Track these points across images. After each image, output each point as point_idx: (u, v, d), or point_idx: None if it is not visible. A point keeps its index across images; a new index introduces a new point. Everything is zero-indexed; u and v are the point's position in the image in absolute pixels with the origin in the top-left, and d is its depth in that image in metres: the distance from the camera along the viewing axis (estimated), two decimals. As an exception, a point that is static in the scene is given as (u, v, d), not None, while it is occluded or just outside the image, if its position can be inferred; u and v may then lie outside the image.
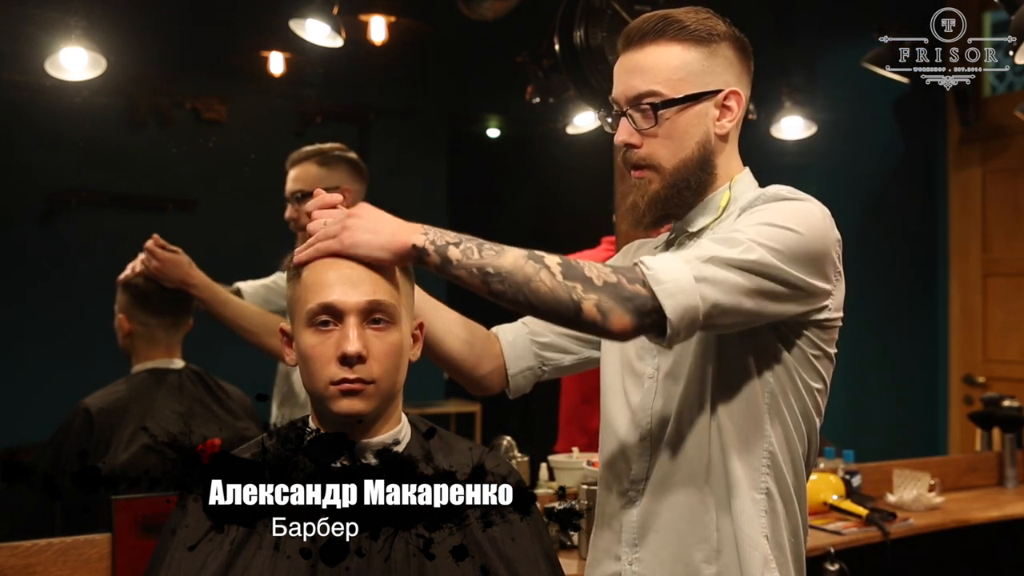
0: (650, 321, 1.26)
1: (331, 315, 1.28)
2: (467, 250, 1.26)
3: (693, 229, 1.47)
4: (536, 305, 1.26)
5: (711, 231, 1.44)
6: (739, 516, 1.43)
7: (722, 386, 1.43)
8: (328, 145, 2.54)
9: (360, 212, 1.31)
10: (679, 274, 1.26)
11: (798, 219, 1.34)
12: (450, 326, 1.57)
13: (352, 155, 2.56)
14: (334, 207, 1.35)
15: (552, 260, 1.26)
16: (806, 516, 1.52)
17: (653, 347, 1.47)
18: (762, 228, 1.32)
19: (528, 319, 1.64)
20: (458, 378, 1.61)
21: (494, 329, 1.64)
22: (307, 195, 2.41)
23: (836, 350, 1.47)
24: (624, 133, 1.44)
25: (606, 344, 1.58)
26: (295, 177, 2.51)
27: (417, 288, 1.45)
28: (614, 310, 1.24)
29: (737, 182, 1.48)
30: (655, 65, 1.42)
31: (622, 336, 1.27)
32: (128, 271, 2.24)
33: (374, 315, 1.29)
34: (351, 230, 1.28)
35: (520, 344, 1.62)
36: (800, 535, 1.50)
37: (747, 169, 1.51)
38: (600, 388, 1.59)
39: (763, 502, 1.45)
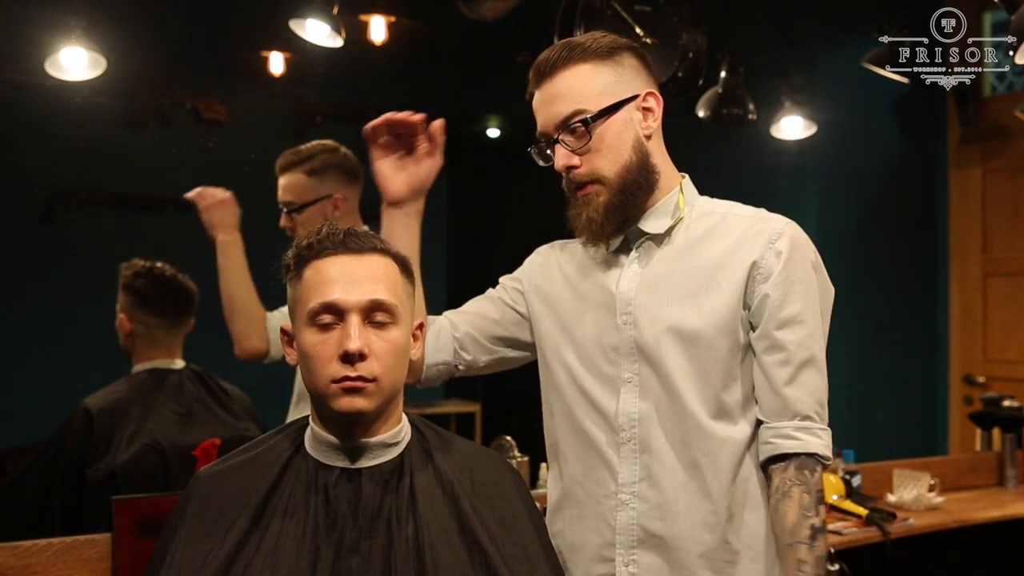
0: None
1: (333, 314, 1.28)
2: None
3: (655, 231, 1.51)
4: None
5: (675, 236, 1.51)
6: (751, 526, 1.46)
7: (728, 393, 1.46)
8: (316, 147, 2.36)
9: None
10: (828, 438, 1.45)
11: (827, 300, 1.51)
12: None
13: (342, 153, 2.38)
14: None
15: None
16: None
17: (627, 350, 1.48)
18: (821, 323, 1.48)
19: (452, 312, 1.65)
20: None
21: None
22: (298, 208, 2.31)
23: None
24: (563, 158, 1.49)
25: (552, 352, 1.57)
26: (284, 187, 2.35)
27: None
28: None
29: (686, 186, 1.56)
30: (572, 87, 1.48)
31: None
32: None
33: (375, 314, 1.29)
34: None
35: (443, 337, 1.62)
36: None
37: (686, 175, 1.59)
38: (550, 395, 1.58)
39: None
